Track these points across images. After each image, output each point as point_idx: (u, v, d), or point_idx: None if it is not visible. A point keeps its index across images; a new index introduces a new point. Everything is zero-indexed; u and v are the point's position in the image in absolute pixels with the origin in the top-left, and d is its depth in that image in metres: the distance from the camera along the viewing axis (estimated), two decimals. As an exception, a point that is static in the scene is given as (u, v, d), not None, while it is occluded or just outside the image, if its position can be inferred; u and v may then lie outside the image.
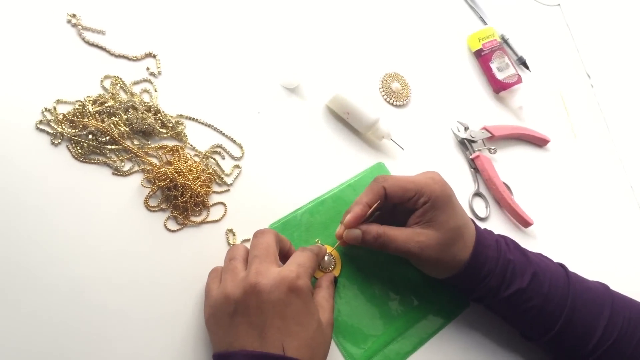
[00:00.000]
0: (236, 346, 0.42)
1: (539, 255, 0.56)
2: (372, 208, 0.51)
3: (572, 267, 0.56)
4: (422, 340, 0.56)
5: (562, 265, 0.56)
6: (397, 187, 0.51)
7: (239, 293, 0.43)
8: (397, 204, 0.52)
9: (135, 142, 0.53)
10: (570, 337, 0.52)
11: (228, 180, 0.56)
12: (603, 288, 0.55)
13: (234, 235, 0.54)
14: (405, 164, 0.66)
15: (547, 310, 0.52)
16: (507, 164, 0.73)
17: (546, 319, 0.52)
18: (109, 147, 0.52)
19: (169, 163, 0.54)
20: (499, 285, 0.51)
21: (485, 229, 0.55)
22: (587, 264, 0.69)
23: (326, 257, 0.54)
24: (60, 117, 0.51)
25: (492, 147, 0.72)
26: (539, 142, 0.78)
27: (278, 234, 0.50)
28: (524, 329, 0.55)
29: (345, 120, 0.64)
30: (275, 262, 0.46)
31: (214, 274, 0.48)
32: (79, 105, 0.52)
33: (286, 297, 0.43)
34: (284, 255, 0.50)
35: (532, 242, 0.68)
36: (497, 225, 0.68)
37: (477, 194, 0.69)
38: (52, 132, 0.50)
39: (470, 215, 0.57)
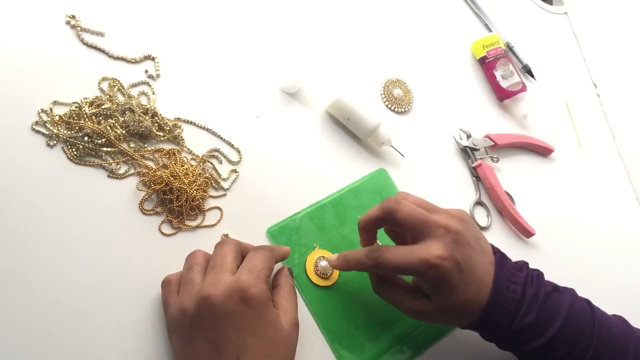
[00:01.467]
0: None
1: (567, 290, 0.50)
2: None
3: (574, 282, 0.54)
4: (419, 349, 0.55)
5: (587, 301, 0.50)
6: (413, 218, 0.46)
7: (193, 306, 0.41)
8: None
9: (132, 144, 0.53)
10: None
11: (225, 184, 0.56)
12: (624, 325, 0.50)
13: (229, 240, 0.53)
14: (407, 171, 0.65)
15: (575, 352, 0.46)
16: (509, 173, 0.72)
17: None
18: (104, 149, 0.51)
19: (165, 166, 0.53)
20: (536, 324, 0.46)
21: (513, 265, 0.49)
22: (589, 278, 0.68)
23: (323, 262, 0.54)
24: (57, 118, 0.50)
25: (495, 156, 0.71)
26: (543, 152, 0.77)
27: (241, 243, 0.48)
28: None
29: (346, 127, 0.64)
30: (231, 271, 0.44)
31: (168, 287, 0.46)
32: (76, 107, 0.51)
33: (238, 307, 0.41)
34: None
35: (533, 252, 0.67)
36: (499, 235, 0.67)
37: (479, 202, 0.68)
38: (47, 133, 0.50)
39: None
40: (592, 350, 0.46)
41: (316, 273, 0.54)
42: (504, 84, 0.76)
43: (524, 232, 0.67)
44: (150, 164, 0.53)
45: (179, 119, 0.56)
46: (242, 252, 0.47)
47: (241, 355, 0.40)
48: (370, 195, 0.61)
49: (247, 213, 0.55)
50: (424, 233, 0.45)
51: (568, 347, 0.46)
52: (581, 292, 0.52)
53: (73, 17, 0.55)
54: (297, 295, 0.52)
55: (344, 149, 0.63)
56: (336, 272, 0.54)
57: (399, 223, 0.46)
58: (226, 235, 0.53)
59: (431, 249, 0.44)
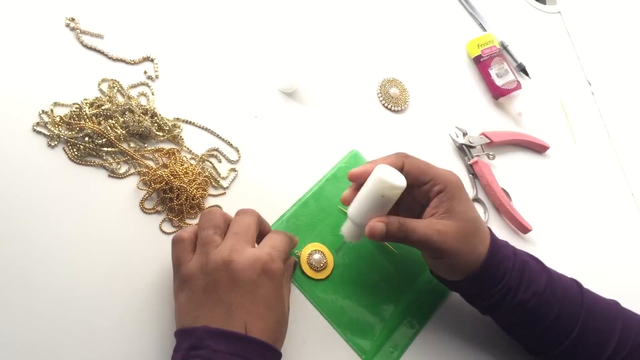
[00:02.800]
0: (200, 322, 0.41)
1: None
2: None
3: (571, 274, 0.55)
4: (425, 319, 0.57)
5: (574, 279, 0.54)
6: (416, 167, 0.49)
7: (212, 267, 0.42)
8: (402, 198, 0.51)
9: (132, 144, 0.54)
10: (582, 350, 0.50)
11: (224, 183, 0.56)
12: (614, 303, 0.53)
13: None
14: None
15: (562, 320, 0.50)
16: (505, 170, 0.73)
17: (559, 330, 0.50)
18: (105, 149, 0.52)
19: (164, 166, 0.54)
20: (517, 285, 0.49)
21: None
22: (586, 271, 0.68)
23: (317, 255, 0.54)
24: (57, 119, 0.51)
25: (491, 153, 0.72)
26: (538, 149, 0.78)
27: (260, 217, 0.49)
28: (533, 341, 0.53)
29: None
30: (252, 243, 0.45)
31: (182, 245, 0.46)
32: (76, 108, 0.52)
33: (258, 278, 0.42)
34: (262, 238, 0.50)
35: (530, 248, 0.67)
36: (496, 231, 0.66)
37: (476, 199, 0.69)
38: (48, 134, 0.50)
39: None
40: (581, 320, 0.50)
41: (310, 266, 0.54)
42: (499, 82, 0.77)
43: (520, 228, 0.68)
44: (151, 163, 0.54)
45: (178, 119, 0.57)
46: (260, 227, 0.49)
47: (250, 324, 0.41)
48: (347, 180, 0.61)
49: (246, 211, 0.56)
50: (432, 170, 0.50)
51: (559, 309, 0.50)
52: (577, 286, 0.53)
53: (73, 19, 0.56)
54: (301, 295, 0.54)
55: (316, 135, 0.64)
56: (330, 264, 0.55)
57: (407, 172, 0.49)
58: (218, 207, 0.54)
59: (447, 173, 0.51)
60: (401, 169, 0.49)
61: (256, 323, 0.41)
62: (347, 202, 0.51)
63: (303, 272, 0.54)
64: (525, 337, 0.54)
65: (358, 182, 0.50)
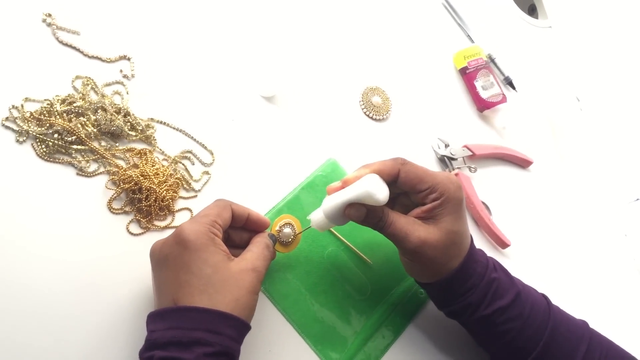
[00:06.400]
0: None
1: (523, 282, 0.54)
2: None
3: (547, 293, 0.55)
4: (399, 329, 0.57)
5: (544, 296, 0.54)
6: (413, 175, 0.48)
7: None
8: (400, 194, 0.51)
9: (103, 143, 0.53)
10: None
11: (196, 186, 0.56)
12: (583, 324, 0.53)
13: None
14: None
15: (526, 335, 0.50)
16: (487, 183, 0.72)
17: (523, 344, 0.50)
18: (74, 147, 0.51)
19: (135, 166, 0.53)
20: (479, 301, 0.50)
21: (479, 248, 0.54)
22: (562, 290, 0.68)
23: (286, 229, 0.52)
24: (27, 114, 0.50)
25: (473, 166, 0.71)
26: (521, 163, 0.77)
27: (229, 207, 0.48)
28: (498, 352, 0.53)
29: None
30: (198, 222, 0.45)
31: None
32: (47, 104, 0.51)
33: (173, 249, 0.43)
34: (247, 222, 0.50)
35: (508, 263, 0.66)
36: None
37: (455, 212, 0.68)
38: (17, 129, 0.50)
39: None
40: (546, 336, 0.50)
41: (279, 240, 0.52)
42: (484, 94, 0.77)
43: (499, 242, 0.67)
44: (121, 163, 0.53)
45: (152, 119, 0.56)
46: (235, 213, 0.48)
47: (176, 295, 0.42)
48: (324, 188, 0.60)
49: (217, 215, 0.55)
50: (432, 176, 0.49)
51: (522, 325, 0.50)
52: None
53: (49, 15, 0.55)
54: (270, 303, 0.53)
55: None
56: (295, 243, 0.53)
57: (403, 179, 0.49)
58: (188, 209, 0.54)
59: (451, 176, 0.50)
60: (397, 176, 0.48)
61: (183, 292, 0.42)
62: (330, 192, 0.50)
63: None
64: (490, 347, 0.54)
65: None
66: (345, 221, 0.50)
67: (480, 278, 0.50)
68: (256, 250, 0.47)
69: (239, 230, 0.51)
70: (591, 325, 0.53)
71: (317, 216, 0.51)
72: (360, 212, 0.48)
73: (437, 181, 0.48)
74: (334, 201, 0.49)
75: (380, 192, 0.46)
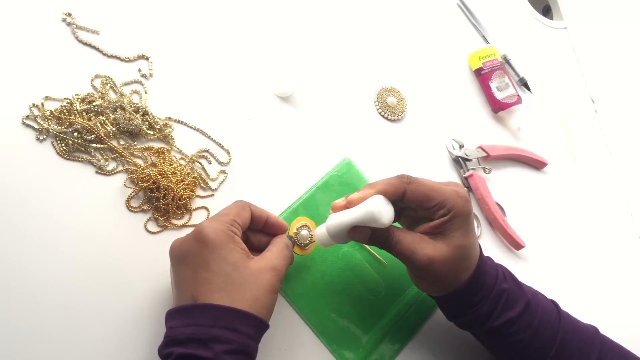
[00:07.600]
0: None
1: (532, 289, 0.54)
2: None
3: (561, 297, 0.55)
4: (412, 330, 0.57)
5: (554, 302, 0.53)
6: (420, 193, 0.47)
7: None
8: (406, 207, 0.50)
9: (122, 142, 0.53)
10: None
11: (213, 185, 0.56)
12: (593, 330, 0.53)
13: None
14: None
15: (535, 346, 0.49)
16: (501, 184, 0.72)
17: (534, 354, 0.50)
18: (94, 145, 0.52)
19: (153, 165, 0.54)
20: (489, 313, 0.49)
21: (487, 256, 0.53)
22: (576, 292, 0.68)
23: (303, 232, 0.53)
24: (48, 113, 0.51)
25: (487, 167, 0.71)
26: (536, 165, 0.77)
27: (248, 207, 0.48)
28: None
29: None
30: (219, 221, 0.45)
31: None
32: (67, 103, 0.52)
33: (192, 247, 0.43)
34: (265, 226, 0.50)
35: (522, 265, 0.67)
36: (488, 246, 0.67)
37: (469, 213, 0.68)
38: (38, 127, 0.50)
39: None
40: (556, 346, 0.49)
41: (296, 242, 0.52)
42: (499, 95, 0.76)
43: (513, 244, 0.67)
44: (139, 161, 0.53)
45: (170, 118, 0.56)
46: (253, 214, 0.49)
47: (195, 292, 0.42)
48: (339, 188, 0.61)
49: (233, 214, 0.55)
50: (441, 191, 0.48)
51: (533, 335, 0.49)
52: (565, 307, 0.53)
53: (69, 14, 0.56)
54: (286, 303, 0.53)
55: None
56: (313, 245, 0.53)
57: (411, 198, 0.48)
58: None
59: (458, 189, 0.49)
60: (402, 195, 0.48)
61: (202, 289, 0.42)
62: (334, 210, 0.50)
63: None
64: (501, 358, 0.53)
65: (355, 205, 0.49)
66: (349, 241, 0.50)
67: (490, 290, 0.49)
68: (276, 250, 0.47)
69: (257, 233, 0.51)
70: (603, 329, 0.53)
71: (321, 234, 0.50)
72: (364, 235, 0.48)
73: (445, 197, 0.47)
74: (337, 222, 0.48)
75: (385, 216, 0.46)
